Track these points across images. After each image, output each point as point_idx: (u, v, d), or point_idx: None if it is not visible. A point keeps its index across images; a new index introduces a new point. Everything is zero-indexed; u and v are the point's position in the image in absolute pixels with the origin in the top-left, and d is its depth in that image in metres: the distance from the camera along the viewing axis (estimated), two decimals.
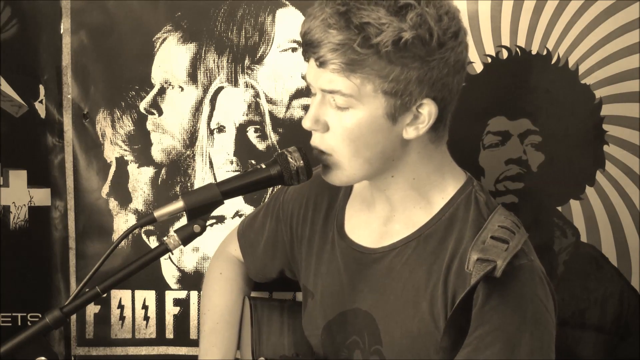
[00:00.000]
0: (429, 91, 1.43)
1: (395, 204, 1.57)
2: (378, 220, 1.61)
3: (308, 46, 1.43)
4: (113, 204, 2.12)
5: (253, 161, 2.06)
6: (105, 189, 2.11)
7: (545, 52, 1.92)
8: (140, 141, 2.09)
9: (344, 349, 1.64)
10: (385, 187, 1.56)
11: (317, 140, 1.49)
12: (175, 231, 1.43)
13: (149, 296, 2.13)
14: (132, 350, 2.15)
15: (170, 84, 2.06)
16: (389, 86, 1.40)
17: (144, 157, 2.09)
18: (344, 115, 1.44)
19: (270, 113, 2.04)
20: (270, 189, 2.06)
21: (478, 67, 1.94)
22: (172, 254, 2.02)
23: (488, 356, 1.40)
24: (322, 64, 1.41)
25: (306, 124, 1.48)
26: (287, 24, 2.00)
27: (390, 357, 1.55)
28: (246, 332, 1.81)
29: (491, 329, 1.40)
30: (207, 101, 2.06)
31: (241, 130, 2.06)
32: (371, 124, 1.44)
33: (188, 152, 2.08)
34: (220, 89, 2.05)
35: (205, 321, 1.85)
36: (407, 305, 1.52)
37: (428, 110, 1.44)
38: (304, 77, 1.51)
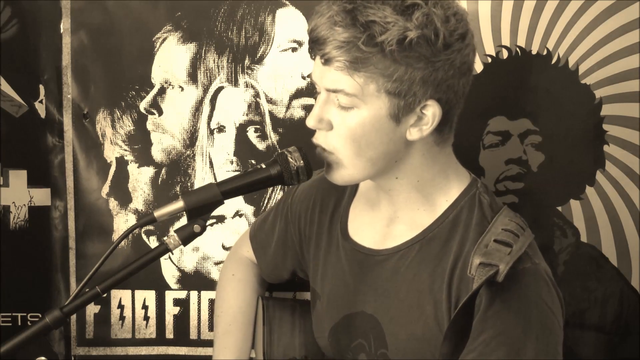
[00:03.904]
0: (433, 92, 1.42)
1: (399, 205, 1.56)
2: (382, 221, 1.60)
3: (314, 43, 1.43)
4: (113, 204, 2.11)
5: (253, 161, 2.06)
6: (105, 189, 2.11)
7: (545, 52, 1.92)
8: (140, 141, 2.09)
9: (349, 351, 1.63)
10: (389, 188, 1.55)
11: (320, 139, 1.49)
12: (175, 231, 1.43)
13: (149, 296, 2.13)
14: (132, 350, 2.15)
15: (170, 84, 2.06)
16: (393, 86, 1.40)
17: (144, 157, 2.09)
18: (347, 115, 1.44)
19: (270, 113, 2.04)
20: (270, 189, 2.06)
21: (478, 67, 1.94)
22: (172, 254, 2.02)
23: None
24: (327, 61, 1.41)
25: (310, 122, 1.48)
26: (287, 24, 1.99)
27: None
28: (260, 333, 1.80)
29: (495, 334, 1.39)
30: (207, 101, 2.05)
31: (241, 130, 2.06)
32: (374, 124, 1.43)
33: (188, 152, 2.08)
34: (220, 88, 2.05)
35: (219, 323, 1.85)
36: (412, 309, 1.52)
37: (432, 112, 1.44)
38: (309, 76, 1.50)
